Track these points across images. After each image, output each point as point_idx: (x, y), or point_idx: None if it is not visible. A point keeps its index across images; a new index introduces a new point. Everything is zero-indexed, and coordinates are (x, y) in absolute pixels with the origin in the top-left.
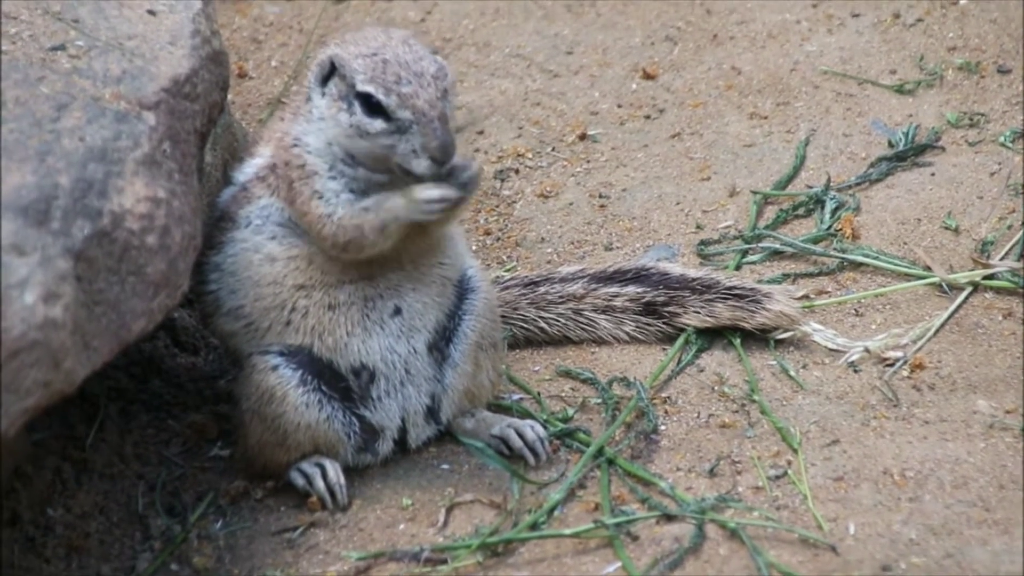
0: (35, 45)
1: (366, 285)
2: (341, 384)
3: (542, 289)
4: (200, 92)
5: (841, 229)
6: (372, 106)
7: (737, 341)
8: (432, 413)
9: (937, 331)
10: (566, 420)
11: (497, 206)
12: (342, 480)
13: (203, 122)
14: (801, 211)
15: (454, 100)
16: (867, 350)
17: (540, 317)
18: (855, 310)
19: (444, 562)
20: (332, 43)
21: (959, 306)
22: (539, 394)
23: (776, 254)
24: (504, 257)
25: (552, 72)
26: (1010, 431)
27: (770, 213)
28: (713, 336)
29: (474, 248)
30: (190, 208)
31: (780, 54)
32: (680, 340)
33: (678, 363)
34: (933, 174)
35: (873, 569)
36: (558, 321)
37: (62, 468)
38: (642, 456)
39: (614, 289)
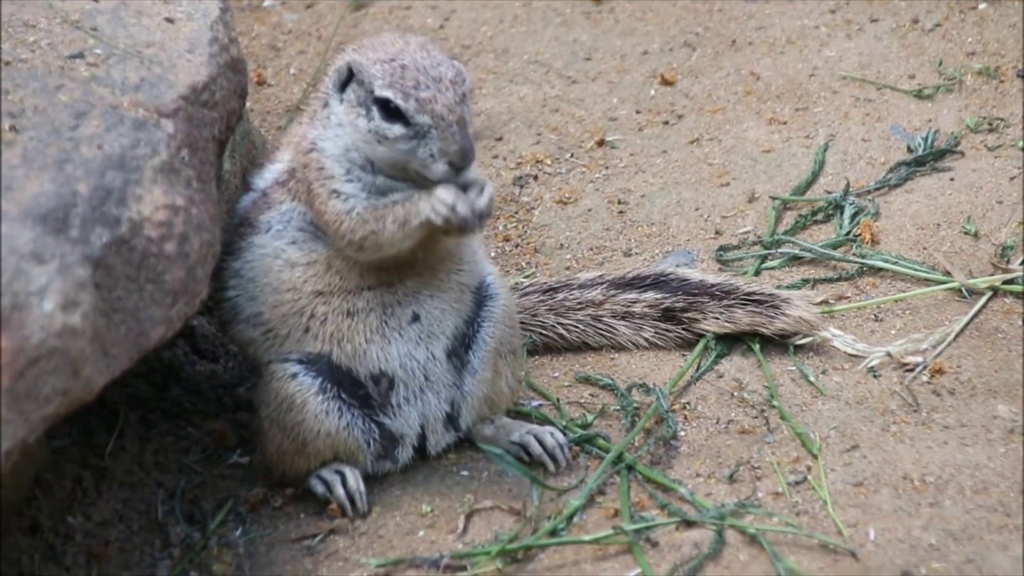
0: (53, 53)
1: (384, 292)
2: (360, 391)
3: (561, 295)
4: (218, 99)
5: (860, 234)
6: (390, 111)
7: (756, 347)
8: (452, 420)
9: (957, 336)
10: (585, 426)
11: (516, 212)
12: (362, 487)
13: (221, 129)
14: (820, 216)
15: (472, 105)
16: (888, 355)
17: (559, 323)
18: (874, 315)
19: (464, 569)
20: (349, 49)
21: (979, 311)
22: (558, 400)
23: (795, 260)
24: (523, 263)
25: (570, 78)
26: None
27: (789, 218)
28: (732, 342)
29: (493, 254)
30: (208, 216)
31: (799, 59)
32: (699, 346)
33: (697, 369)
34: (952, 179)
35: (893, 574)
36: (577, 327)
37: (82, 476)
38: (661, 462)
39: (633, 295)
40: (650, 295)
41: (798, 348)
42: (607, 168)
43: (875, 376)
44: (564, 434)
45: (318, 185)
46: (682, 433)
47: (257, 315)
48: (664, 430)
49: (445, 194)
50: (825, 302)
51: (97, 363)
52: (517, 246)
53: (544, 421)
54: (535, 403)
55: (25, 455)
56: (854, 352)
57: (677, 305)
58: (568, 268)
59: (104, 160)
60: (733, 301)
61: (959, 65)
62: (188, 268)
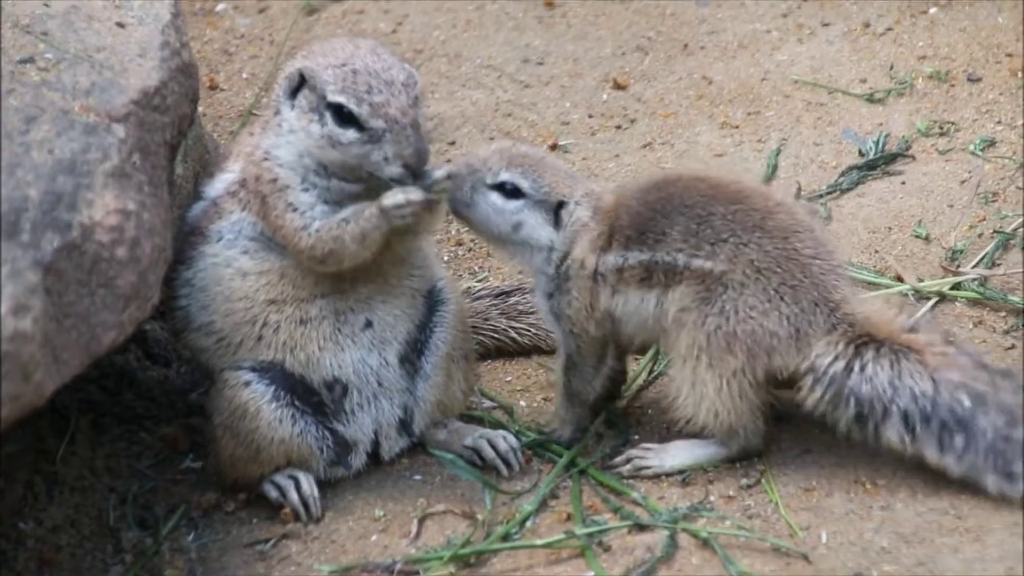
0: (4, 58)
1: (337, 299)
2: (314, 398)
3: (513, 299)
4: (170, 104)
5: None
6: (344, 116)
7: None
8: (405, 425)
9: None
10: (538, 431)
11: None
12: (316, 492)
13: (173, 134)
14: None
15: (424, 108)
16: None
17: (511, 327)
18: None
19: (416, 573)
20: (299, 55)
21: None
22: (511, 404)
23: None
24: (476, 268)
25: (523, 83)
26: None
27: None
28: None
29: (445, 259)
30: (160, 220)
31: (751, 64)
32: (652, 350)
33: (650, 373)
34: (903, 183)
35: None
36: (529, 331)
37: (33, 481)
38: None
39: None
40: None
41: None
42: None
43: None
44: (517, 438)
45: (274, 198)
46: (635, 437)
47: (209, 324)
48: (617, 434)
49: (397, 196)
50: None
51: (48, 368)
52: (470, 250)
53: (497, 425)
54: (487, 405)
55: None
56: None
57: None
58: (520, 272)
59: (55, 165)
60: None
61: (910, 69)
62: (140, 273)
